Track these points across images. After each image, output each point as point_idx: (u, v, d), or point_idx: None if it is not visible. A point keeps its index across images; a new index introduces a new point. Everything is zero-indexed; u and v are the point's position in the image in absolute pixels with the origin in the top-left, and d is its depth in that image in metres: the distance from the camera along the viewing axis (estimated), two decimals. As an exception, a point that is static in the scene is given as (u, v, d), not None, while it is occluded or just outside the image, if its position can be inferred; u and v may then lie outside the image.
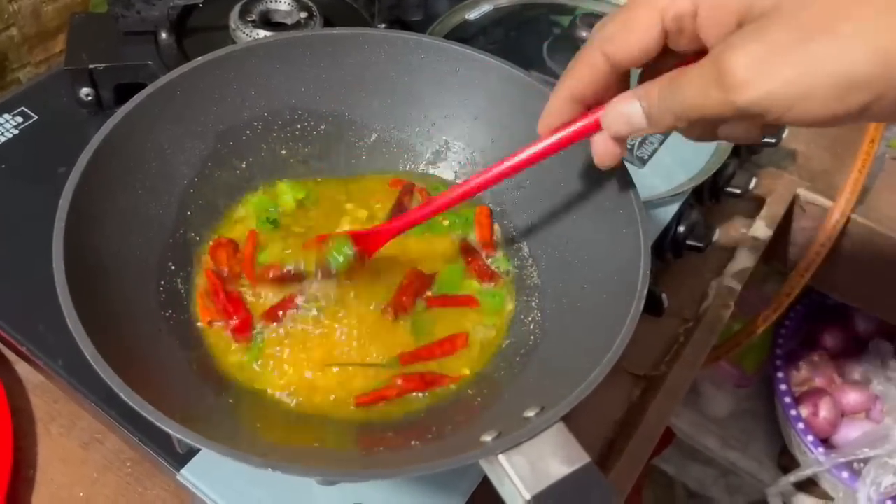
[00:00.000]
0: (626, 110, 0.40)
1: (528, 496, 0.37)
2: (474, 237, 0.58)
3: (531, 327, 0.53)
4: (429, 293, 0.55)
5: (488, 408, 0.47)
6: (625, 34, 0.39)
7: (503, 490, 0.38)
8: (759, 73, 0.34)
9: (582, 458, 0.38)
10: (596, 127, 0.43)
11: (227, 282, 0.53)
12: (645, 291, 0.44)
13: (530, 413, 0.41)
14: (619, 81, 0.42)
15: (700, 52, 0.38)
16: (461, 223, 0.59)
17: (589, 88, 0.42)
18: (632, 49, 0.39)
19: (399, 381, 0.50)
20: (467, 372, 0.51)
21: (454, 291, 0.55)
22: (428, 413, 0.48)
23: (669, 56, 0.40)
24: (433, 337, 0.53)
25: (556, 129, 0.45)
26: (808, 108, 0.34)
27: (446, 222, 0.59)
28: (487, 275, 0.56)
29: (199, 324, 0.52)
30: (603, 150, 0.44)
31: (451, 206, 0.50)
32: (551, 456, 0.38)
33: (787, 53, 0.33)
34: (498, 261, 0.57)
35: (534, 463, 0.38)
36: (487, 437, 0.39)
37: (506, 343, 0.53)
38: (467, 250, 0.57)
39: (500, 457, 0.38)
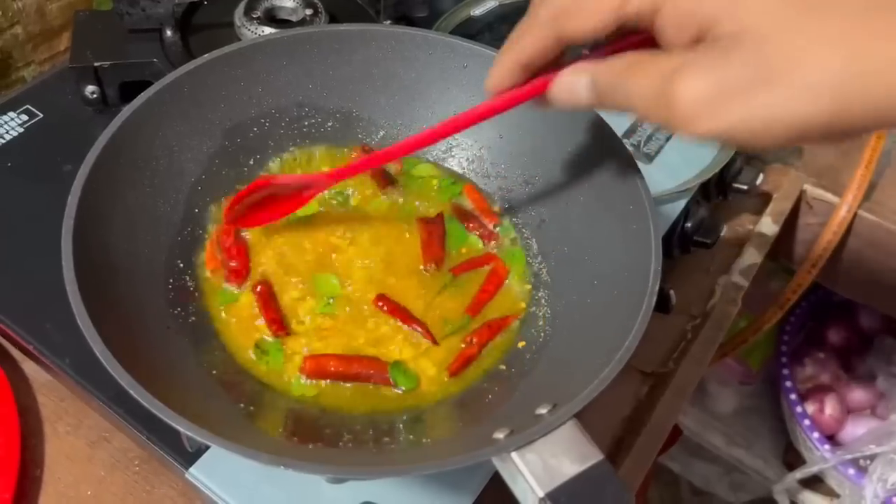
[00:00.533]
0: (575, 85, 0.39)
1: (541, 494, 0.37)
2: (468, 204, 0.59)
3: (541, 323, 0.52)
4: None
5: (500, 404, 0.47)
6: (579, 17, 0.37)
7: (516, 488, 0.38)
8: (709, 112, 0.32)
9: (595, 456, 0.38)
10: (540, 91, 0.42)
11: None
12: (656, 288, 0.44)
13: (542, 410, 0.40)
14: (564, 52, 0.41)
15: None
16: (449, 189, 0.60)
17: (534, 58, 0.41)
18: (584, 32, 0.37)
19: (473, 339, 0.51)
20: (522, 305, 0.54)
21: (459, 248, 0.56)
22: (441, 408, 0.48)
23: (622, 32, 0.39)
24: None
25: (503, 92, 0.44)
26: (760, 143, 0.32)
27: (435, 184, 0.60)
28: (487, 235, 0.57)
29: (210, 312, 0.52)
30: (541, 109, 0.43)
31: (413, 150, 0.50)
32: (564, 453, 0.38)
33: (745, 93, 0.31)
34: (504, 228, 0.58)
35: (547, 460, 0.37)
36: (500, 434, 0.39)
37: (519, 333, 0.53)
38: (462, 213, 0.58)
39: (513, 454, 0.37)
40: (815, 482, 1.13)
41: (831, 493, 1.12)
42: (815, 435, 1.09)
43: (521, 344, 0.52)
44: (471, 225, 0.58)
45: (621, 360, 0.41)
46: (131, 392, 0.38)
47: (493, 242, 0.57)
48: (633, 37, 0.39)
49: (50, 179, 0.66)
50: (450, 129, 0.47)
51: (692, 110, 0.32)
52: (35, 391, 0.60)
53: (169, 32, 0.71)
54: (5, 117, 0.70)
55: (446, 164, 0.61)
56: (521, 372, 0.50)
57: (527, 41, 0.40)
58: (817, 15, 0.31)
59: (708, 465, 1.27)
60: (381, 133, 0.60)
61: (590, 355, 0.44)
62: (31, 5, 0.78)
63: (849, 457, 1.05)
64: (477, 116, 0.46)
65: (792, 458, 1.19)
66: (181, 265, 0.52)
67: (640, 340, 0.42)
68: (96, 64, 0.68)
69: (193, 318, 0.50)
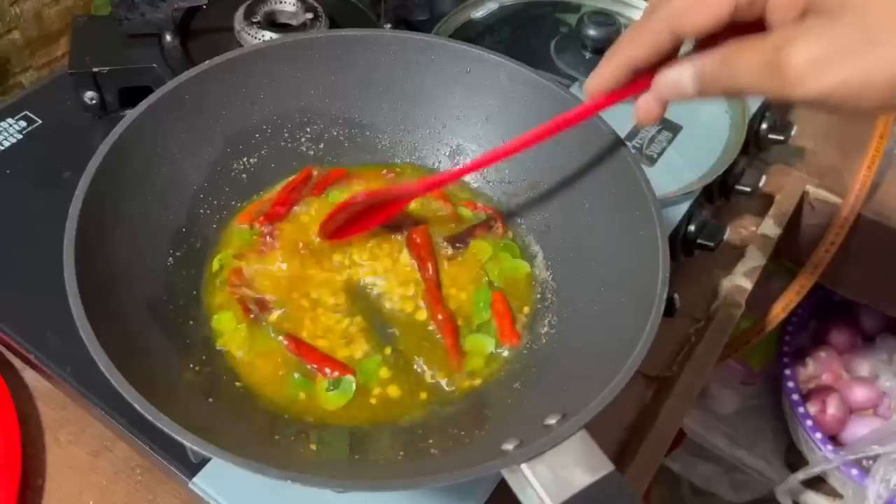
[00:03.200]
0: (679, 78, 0.42)
1: (552, 506, 0.36)
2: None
3: (547, 330, 0.52)
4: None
5: (508, 415, 0.47)
6: (697, 10, 0.39)
7: (525, 499, 0.38)
8: (818, 72, 0.35)
9: (606, 467, 0.37)
10: (642, 89, 0.44)
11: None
12: (665, 295, 0.44)
13: (551, 420, 0.40)
14: (676, 49, 0.43)
15: (757, 23, 0.38)
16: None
17: (647, 57, 0.43)
18: (702, 25, 0.39)
19: None
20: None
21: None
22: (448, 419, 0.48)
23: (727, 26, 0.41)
24: None
25: (608, 93, 0.46)
26: (859, 104, 0.35)
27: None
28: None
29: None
30: (646, 109, 0.45)
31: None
32: (574, 464, 0.37)
33: (850, 55, 0.34)
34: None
35: (557, 472, 0.37)
36: (509, 446, 0.39)
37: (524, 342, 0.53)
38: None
39: (523, 466, 0.37)
40: (817, 483, 1.13)
41: (834, 494, 1.12)
42: (818, 435, 1.09)
43: (527, 353, 0.51)
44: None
45: (631, 368, 0.41)
46: (136, 406, 0.37)
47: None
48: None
49: (49, 186, 0.65)
50: (550, 131, 0.49)
51: (801, 72, 0.35)
52: (36, 400, 0.59)
53: (168, 37, 0.70)
54: (3, 124, 0.69)
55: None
56: (529, 381, 0.49)
57: (643, 43, 0.42)
58: None
59: (709, 465, 1.27)
60: (384, 139, 0.60)
61: (598, 363, 0.44)
62: (28, 10, 0.77)
63: (851, 457, 1.05)
64: (576, 118, 0.48)
65: (794, 458, 1.19)
66: (184, 273, 0.52)
67: (646, 347, 0.42)
68: (95, 70, 0.68)
69: (197, 329, 0.50)
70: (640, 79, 0.44)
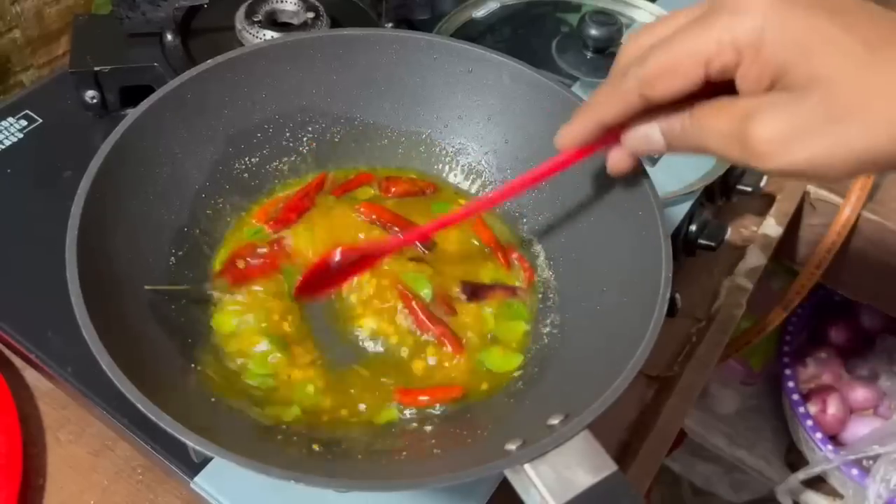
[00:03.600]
0: (648, 134, 0.42)
1: (555, 506, 0.36)
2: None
3: (549, 330, 0.52)
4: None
5: (510, 414, 0.47)
6: (668, 80, 0.39)
7: (528, 499, 0.38)
8: (783, 149, 0.35)
9: (609, 467, 0.37)
10: (612, 142, 0.45)
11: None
12: (668, 296, 0.44)
13: (554, 421, 0.40)
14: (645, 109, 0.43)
15: (729, 83, 0.38)
16: None
17: (617, 118, 0.43)
18: (672, 93, 0.39)
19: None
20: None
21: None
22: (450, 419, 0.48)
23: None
24: None
25: (578, 148, 0.46)
26: (826, 175, 0.36)
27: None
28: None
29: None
30: (618, 161, 0.46)
31: (468, 217, 0.54)
32: (577, 465, 0.37)
33: (815, 133, 0.35)
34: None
35: (560, 472, 0.37)
36: (512, 446, 0.39)
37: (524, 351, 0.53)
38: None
39: (527, 466, 0.37)
40: (818, 483, 1.13)
41: (834, 494, 1.12)
42: (818, 435, 1.09)
43: (529, 353, 0.51)
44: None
45: (634, 368, 0.41)
46: (139, 406, 0.37)
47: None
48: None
49: (50, 185, 0.65)
50: (517, 188, 0.49)
51: (768, 148, 0.36)
52: (37, 400, 0.59)
53: (169, 36, 0.70)
54: (4, 123, 0.69)
55: (452, 171, 0.61)
56: (531, 381, 0.49)
57: (613, 104, 0.42)
58: (883, 59, 0.34)
59: (709, 464, 1.27)
60: (386, 138, 0.60)
61: (600, 363, 0.44)
62: (29, 9, 0.77)
63: (852, 457, 1.05)
64: (547, 172, 0.47)
65: (794, 458, 1.19)
66: (185, 272, 0.52)
67: (649, 347, 0.42)
68: (96, 69, 0.68)
69: (199, 328, 0.50)
70: (610, 133, 0.44)
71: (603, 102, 0.43)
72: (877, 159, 0.34)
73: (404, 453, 0.45)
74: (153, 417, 0.37)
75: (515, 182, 0.48)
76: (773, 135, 0.35)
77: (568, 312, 0.52)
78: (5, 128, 0.69)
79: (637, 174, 0.49)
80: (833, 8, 0.35)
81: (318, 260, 0.53)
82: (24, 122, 0.70)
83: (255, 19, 0.70)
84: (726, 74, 0.37)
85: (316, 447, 0.44)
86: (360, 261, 0.53)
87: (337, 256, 0.52)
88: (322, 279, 0.53)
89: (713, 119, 0.38)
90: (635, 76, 0.40)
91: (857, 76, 0.34)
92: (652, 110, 0.41)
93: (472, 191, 0.61)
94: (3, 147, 0.68)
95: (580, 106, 0.45)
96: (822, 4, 0.35)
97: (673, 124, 0.41)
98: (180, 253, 0.52)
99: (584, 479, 0.37)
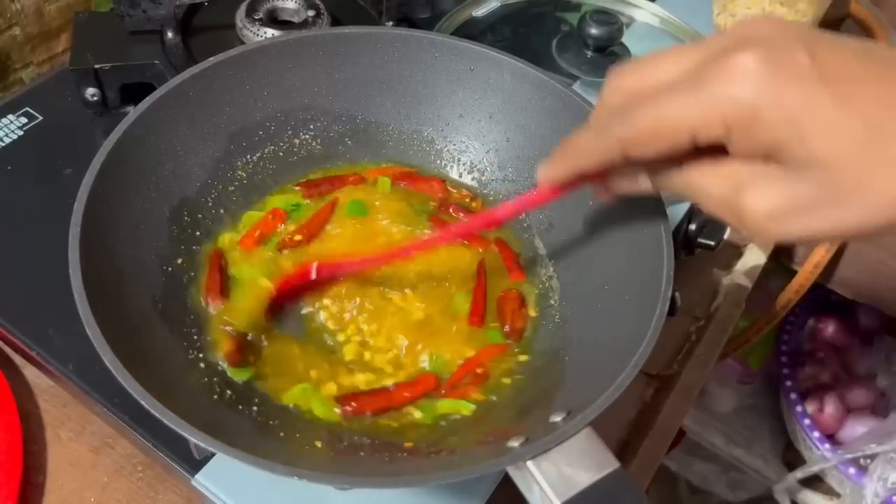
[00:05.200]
0: (636, 180, 0.41)
1: (557, 503, 0.36)
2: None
3: (552, 329, 0.52)
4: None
5: (513, 412, 0.47)
6: (652, 144, 0.37)
7: (531, 496, 0.38)
8: (777, 224, 0.35)
9: (611, 464, 0.38)
10: (596, 181, 0.44)
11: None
12: (669, 293, 0.44)
13: (556, 418, 0.40)
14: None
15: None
16: None
17: (598, 168, 0.41)
18: (654, 155, 0.38)
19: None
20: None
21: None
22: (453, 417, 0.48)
23: None
24: None
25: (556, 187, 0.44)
26: (824, 240, 0.35)
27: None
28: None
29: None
30: (603, 196, 0.45)
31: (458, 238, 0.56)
32: (580, 462, 0.38)
33: (814, 212, 0.34)
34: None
35: (562, 469, 0.37)
36: (514, 443, 0.39)
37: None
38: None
39: (529, 463, 0.37)
40: (815, 481, 1.13)
41: (831, 493, 1.12)
42: (816, 434, 1.09)
43: (531, 351, 0.51)
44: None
45: (636, 365, 0.41)
46: (142, 402, 0.37)
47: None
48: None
49: (50, 182, 0.65)
50: (499, 217, 0.49)
51: (762, 221, 0.35)
52: (37, 397, 0.59)
53: (170, 34, 0.70)
54: (4, 120, 0.69)
55: (454, 169, 0.61)
56: (534, 378, 0.49)
57: (593, 156, 0.40)
58: (880, 140, 0.32)
59: (706, 463, 1.27)
60: (387, 136, 0.60)
61: (602, 361, 0.44)
62: (29, 6, 0.77)
63: (849, 456, 1.05)
64: (531, 203, 0.47)
65: (792, 457, 1.19)
66: (188, 270, 0.52)
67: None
68: (97, 66, 0.67)
69: (201, 326, 0.50)
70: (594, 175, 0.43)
71: (583, 151, 0.41)
72: (878, 229, 0.34)
73: (406, 450, 0.45)
74: (157, 413, 0.37)
75: (499, 211, 0.48)
76: (768, 209, 0.34)
77: (569, 310, 0.52)
78: (5, 125, 0.69)
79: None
80: (833, 76, 0.33)
81: (294, 272, 0.53)
82: (24, 120, 0.69)
83: (256, 17, 0.70)
84: (715, 143, 0.36)
85: (318, 444, 0.44)
86: (335, 274, 0.53)
87: (313, 273, 0.52)
88: (296, 291, 0.53)
89: (704, 180, 0.37)
90: (616, 135, 0.38)
91: (855, 158, 0.32)
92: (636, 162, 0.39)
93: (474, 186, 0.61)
94: (3, 144, 0.67)
95: (560, 147, 0.42)
96: (822, 74, 0.33)
97: (661, 174, 0.39)
98: (181, 249, 0.52)
99: (587, 476, 0.37)
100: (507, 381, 0.50)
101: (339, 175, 0.59)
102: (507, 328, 0.53)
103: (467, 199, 0.60)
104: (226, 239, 0.55)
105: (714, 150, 0.36)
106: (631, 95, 0.38)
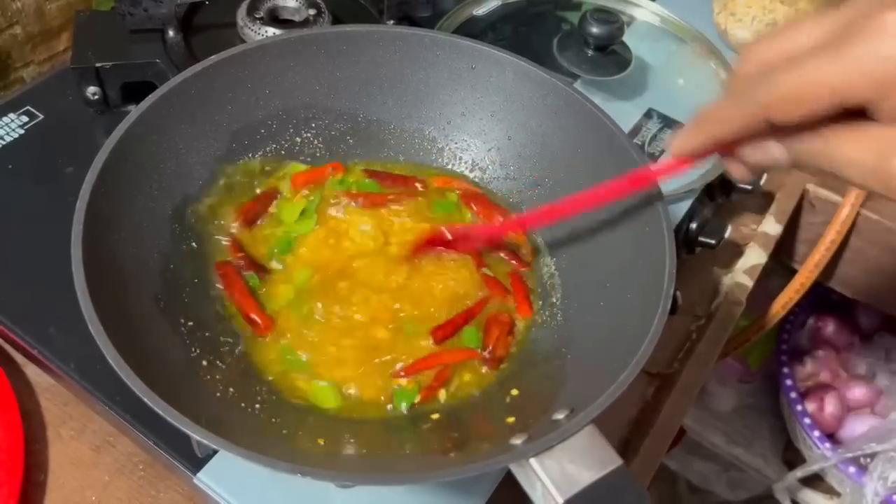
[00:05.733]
0: (771, 152, 0.40)
1: (560, 500, 0.37)
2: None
3: (554, 326, 0.52)
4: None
5: (515, 409, 0.47)
6: (795, 108, 0.36)
7: (534, 494, 0.38)
8: None
9: (614, 461, 0.38)
10: (726, 151, 0.43)
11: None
12: (672, 291, 0.44)
13: (559, 415, 0.40)
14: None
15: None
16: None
17: (735, 137, 0.40)
18: (799, 118, 0.36)
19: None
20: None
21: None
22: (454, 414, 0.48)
23: None
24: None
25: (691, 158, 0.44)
26: None
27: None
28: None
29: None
30: (735, 170, 0.43)
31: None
32: (582, 459, 0.38)
33: None
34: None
35: (565, 466, 0.37)
36: (517, 441, 0.39)
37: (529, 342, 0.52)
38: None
39: (532, 460, 0.37)
40: (815, 480, 1.14)
41: (832, 492, 1.12)
42: (816, 433, 1.09)
43: (533, 349, 0.51)
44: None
45: (638, 364, 0.41)
46: (146, 400, 0.37)
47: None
48: None
49: (51, 181, 0.65)
50: (626, 187, 0.49)
51: None
52: (38, 395, 0.59)
53: (171, 33, 0.70)
54: (5, 119, 0.69)
55: (456, 167, 0.61)
56: (536, 376, 0.49)
57: (732, 123, 0.40)
58: None
59: (706, 462, 1.28)
60: (389, 134, 0.60)
61: (604, 359, 0.44)
62: (30, 5, 0.77)
63: (849, 455, 1.05)
64: (663, 173, 0.48)
65: (791, 456, 1.19)
66: (189, 268, 0.52)
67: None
68: (98, 65, 0.67)
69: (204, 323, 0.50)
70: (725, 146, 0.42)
71: (722, 119, 0.40)
72: None
73: (408, 448, 0.45)
74: (160, 411, 0.37)
75: (627, 179, 0.48)
76: None
77: (571, 308, 0.52)
78: (6, 124, 0.69)
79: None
80: None
81: (433, 232, 0.55)
82: (24, 119, 0.69)
83: (257, 16, 0.70)
84: (860, 107, 0.34)
85: (321, 441, 0.44)
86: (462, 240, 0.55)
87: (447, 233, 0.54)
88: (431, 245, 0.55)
89: (848, 147, 0.35)
90: (757, 99, 0.37)
91: None
92: (775, 129, 0.38)
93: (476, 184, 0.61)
94: (4, 143, 0.67)
95: (694, 118, 0.42)
96: None
97: (799, 144, 0.38)
98: (183, 247, 0.52)
99: (590, 473, 0.37)
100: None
101: (402, 175, 0.60)
102: (487, 353, 0.51)
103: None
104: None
105: (854, 117, 0.35)
106: (769, 63, 0.37)
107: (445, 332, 0.52)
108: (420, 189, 0.59)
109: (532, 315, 0.54)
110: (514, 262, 0.56)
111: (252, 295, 0.52)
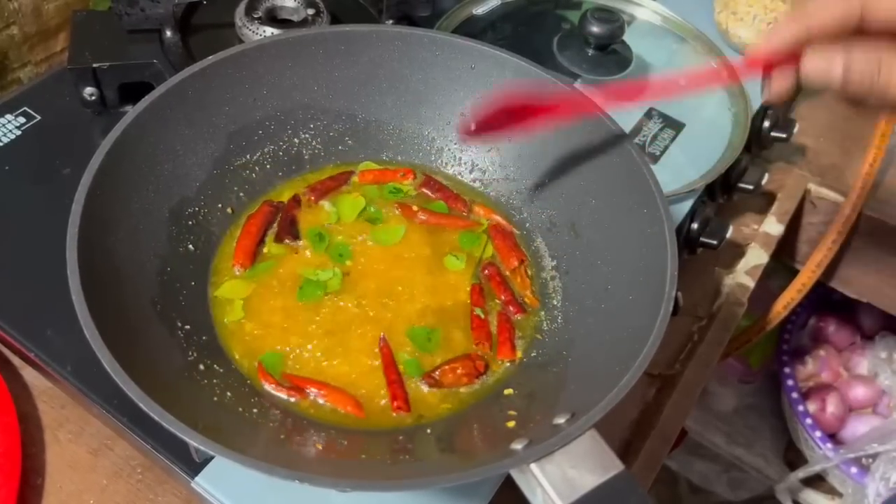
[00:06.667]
0: (828, 67, 0.41)
1: (561, 506, 0.36)
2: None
3: (555, 329, 0.52)
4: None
5: (517, 414, 0.47)
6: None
7: (535, 500, 0.38)
8: None
9: (616, 466, 0.37)
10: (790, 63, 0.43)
11: None
12: (674, 293, 0.43)
13: (560, 420, 0.40)
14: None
15: None
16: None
17: (829, 26, 0.41)
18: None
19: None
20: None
21: None
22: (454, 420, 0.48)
23: None
24: None
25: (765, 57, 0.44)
26: None
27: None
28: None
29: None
30: (782, 84, 0.44)
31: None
32: (584, 464, 0.37)
33: None
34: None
35: (566, 472, 0.37)
36: (518, 446, 0.39)
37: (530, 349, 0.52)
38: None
39: (533, 466, 0.37)
40: (817, 481, 1.13)
41: (833, 492, 1.12)
42: (817, 433, 1.09)
43: (534, 352, 0.51)
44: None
45: (640, 367, 0.41)
46: (142, 405, 0.37)
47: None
48: None
49: (48, 182, 0.65)
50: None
51: None
52: (35, 399, 0.59)
53: (169, 33, 0.70)
54: (2, 120, 0.69)
55: (456, 167, 0.60)
56: (537, 379, 0.49)
57: (831, 10, 0.41)
58: None
59: (707, 463, 1.27)
60: (388, 134, 0.60)
61: (605, 362, 0.44)
62: (27, 5, 0.76)
63: (851, 455, 1.05)
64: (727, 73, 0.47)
65: (793, 456, 1.19)
66: (187, 269, 0.52)
67: (654, 345, 0.42)
68: (95, 65, 0.67)
69: (201, 326, 0.50)
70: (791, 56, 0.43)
71: (820, 8, 0.41)
72: None
73: (408, 453, 0.44)
74: (156, 416, 0.37)
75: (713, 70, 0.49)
76: None
77: (572, 311, 0.52)
78: (3, 125, 0.68)
79: (643, 170, 0.49)
80: None
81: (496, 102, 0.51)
82: (22, 120, 0.69)
83: (255, 16, 0.70)
84: None
85: (319, 446, 0.44)
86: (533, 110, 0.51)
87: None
88: (498, 121, 0.51)
89: None
90: None
91: None
92: (846, 44, 0.39)
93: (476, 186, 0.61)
94: (1, 144, 0.67)
95: (789, 16, 0.43)
96: None
97: (857, 64, 0.39)
98: (180, 249, 0.52)
99: (591, 478, 0.37)
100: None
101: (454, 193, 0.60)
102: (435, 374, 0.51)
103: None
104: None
105: None
106: None
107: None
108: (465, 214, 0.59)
109: (517, 357, 0.52)
110: (511, 307, 0.54)
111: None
